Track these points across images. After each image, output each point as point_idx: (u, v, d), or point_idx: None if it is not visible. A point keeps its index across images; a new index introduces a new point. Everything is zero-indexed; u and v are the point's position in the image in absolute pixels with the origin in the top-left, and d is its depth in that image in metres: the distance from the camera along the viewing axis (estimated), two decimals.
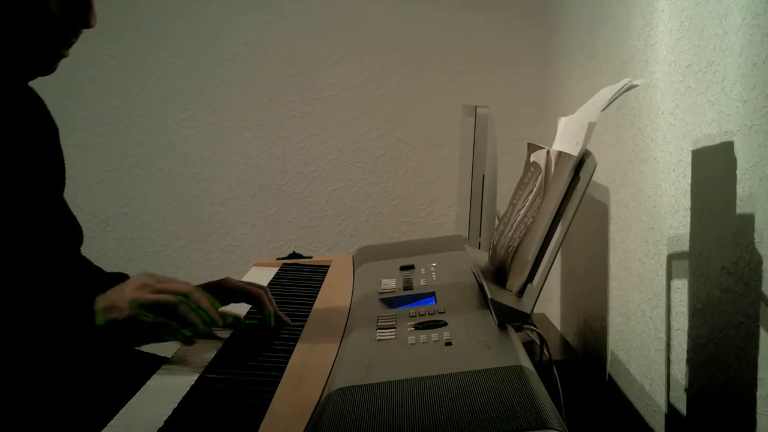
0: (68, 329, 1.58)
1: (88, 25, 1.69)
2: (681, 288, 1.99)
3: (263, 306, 1.85)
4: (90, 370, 1.70)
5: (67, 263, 1.89)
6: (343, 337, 1.70)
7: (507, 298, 1.61)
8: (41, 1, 1.62)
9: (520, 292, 1.63)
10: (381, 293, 1.93)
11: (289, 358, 1.61)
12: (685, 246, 1.95)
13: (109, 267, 2.13)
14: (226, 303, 1.88)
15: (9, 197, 1.69)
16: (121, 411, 1.42)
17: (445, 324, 1.58)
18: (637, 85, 1.72)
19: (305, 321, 1.87)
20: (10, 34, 1.64)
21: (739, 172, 1.68)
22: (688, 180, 1.93)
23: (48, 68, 1.72)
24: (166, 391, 1.50)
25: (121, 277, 1.97)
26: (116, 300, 1.63)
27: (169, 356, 1.72)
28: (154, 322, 1.63)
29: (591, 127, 1.59)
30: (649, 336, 2.23)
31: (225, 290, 1.89)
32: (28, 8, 1.62)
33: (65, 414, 1.64)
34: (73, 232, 1.93)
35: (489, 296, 1.61)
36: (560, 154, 1.70)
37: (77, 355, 1.60)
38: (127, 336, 1.64)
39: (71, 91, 3.73)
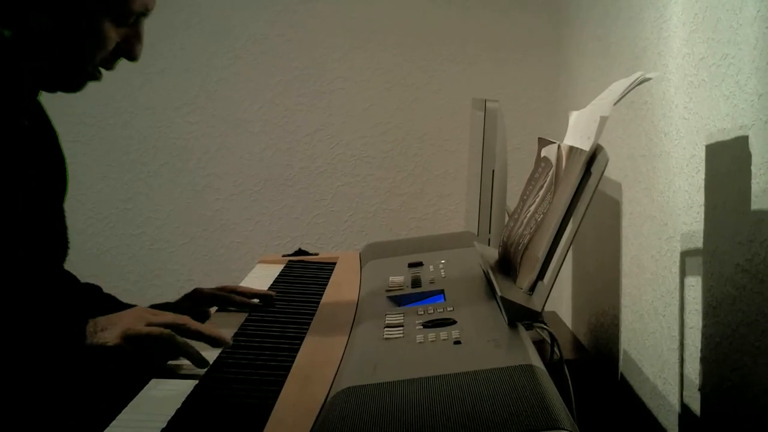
0: (57, 347, 1.61)
1: (132, 58, 1.78)
2: (695, 286, 1.99)
3: (237, 303, 2.01)
4: (91, 371, 1.70)
5: (50, 276, 1.90)
6: (349, 335, 1.70)
7: (517, 296, 1.61)
8: (95, 24, 1.69)
9: (531, 290, 1.63)
10: (388, 291, 1.93)
11: (294, 357, 1.61)
12: (698, 243, 1.95)
13: (110, 264, 2.15)
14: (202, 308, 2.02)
15: (9, 204, 1.70)
16: (123, 411, 1.42)
17: (454, 322, 1.58)
18: (649, 79, 1.72)
19: (311, 319, 1.87)
20: (54, 47, 1.69)
21: (753, 168, 1.68)
22: (702, 175, 1.93)
23: (77, 84, 1.78)
24: (169, 391, 1.50)
25: (94, 289, 2.03)
26: (108, 326, 1.65)
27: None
28: (139, 355, 1.64)
29: (603, 121, 1.59)
30: (662, 335, 2.23)
31: (198, 299, 2.02)
32: (82, 27, 1.69)
33: (67, 415, 1.64)
34: (61, 244, 1.94)
35: (499, 294, 1.61)
36: (571, 149, 1.70)
37: (63, 370, 1.62)
38: (113, 363, 1.64)
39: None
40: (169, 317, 1.72)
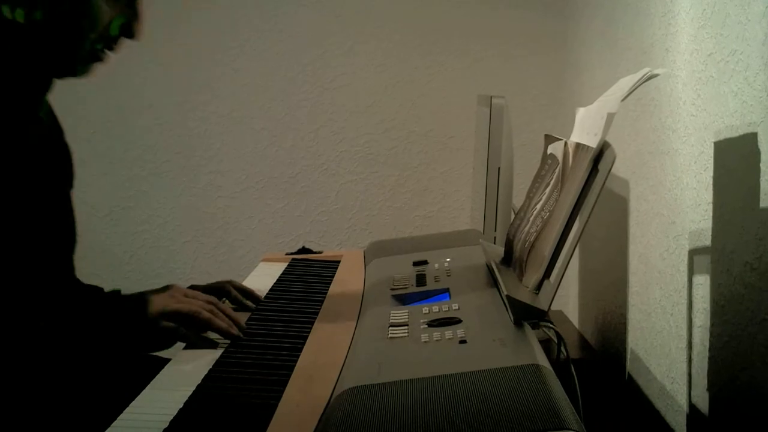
0: (122, 320, 1.71)
1: (131, 36, 1.81)
2: (703, 284, 1.99)
3: (232, 297, 2.04)
4: (95, 367, 1.71)
5: (61, 268, 1.93)
6: (353, 334, 1.70)
7: (523, 295, 1.61)
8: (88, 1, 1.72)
9: (537, 289, 1.63)
10: (393, 289, 1.93)
11: (298, 356, 1.61)
12: (707, 241, 1.95)
13: (112, 262, 2.16)
14: None
15: (17, 194, 1.71)
16: (125, 410, 1.42)
17: (459, 321, 1.58)
18: (657, 75, 1.71)
19: (315, 318, 1.88)
20: (53, 27, 1.72)
21: (762, 165, 1.68)
22: (710, 173, 1.93)
23: (81, 70, 1.81)
24: (171, 390, 1.50)
25: (96, 291, 2.06)
26: (148, 302, 1.74)
27: (174, 356, 1.73)
28: (173, 329, 1.74)
29: (610, 118, 1.59)
30: (669, 333, 2.23)
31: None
32: (77, 6, 1.71)
33: (70, 413, 1.65)
34: (70, 236, 1.96)
35: (505, 292, 1.61)
36: (578, 145, 1.70)
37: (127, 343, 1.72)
38: (150, 338, 1.75)
39: (73, 81, 3.73)
40: (201, 298, 1.82)
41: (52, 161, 1.87)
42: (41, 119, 1.84)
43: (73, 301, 1.75)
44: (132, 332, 1.71)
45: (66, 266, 1.95)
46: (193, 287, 1.99)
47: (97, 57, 1.80)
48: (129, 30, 1.80)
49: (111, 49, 1.81)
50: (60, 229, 1.91)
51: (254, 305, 2.04)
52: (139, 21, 1.81)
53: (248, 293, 2.07)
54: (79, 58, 1.78)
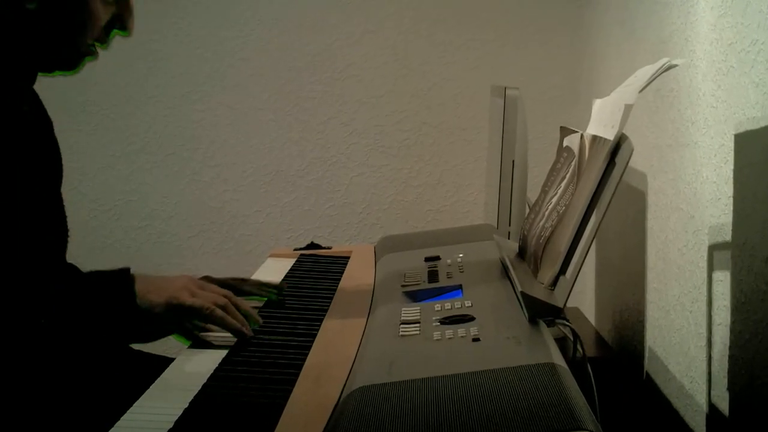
0: (107, 304, 1.70)
1: (124, 28, 1.85)
2: (723, 280, 1.99)
3: (246, 292, 2.02)
4: (98, 367, 1.72)
5: (54, 265, 1.94)
6: (364, 332, 1.70)
7: (538, 291, 1.62)
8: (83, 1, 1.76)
9: (553, 285, 1.63)
10: (404, 286, 1.93)
11: (306, 355, 1.62)
12: (727, 236, 1.95)
13: (114, 258, 2.17)
14: None
15: (7, 190, 1.72)
16: (129, 410, 1.43)
17: (472, 319, 1.59)
18: (676, 65, 1.71)
19: (324, 315, 1.88)
20: (44, 21, 1.75)
21: None
22: (731, 166, 1.93)
23: (73, 63, 1.84)
24: (176, 389, 1.51)
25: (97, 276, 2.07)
26: (155, 290, 1.75)
27: (178, 355, 1.74)
28: (179, 324, 1.76)
29: (628, 109, 1.59)
30: (688, 331, 2.23)
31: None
32: (70, 4, 1.76)
33: (74, 413, 1.66)
34: (62, 232, 1.97)
35: (519, 289, 1.62)
36: (595, 138, 1.70)
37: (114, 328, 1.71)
38: (152, 327, 1.75)
39: (64, 74, 3.74)
40: (214, 291, 1.82)
41: (39, 155, 1.87)
42: (26, 112, 1.85)
43: (71, 291, 1.74)
44: (129, 319, 1.71)
45: (59, 262, 1.96)
46: (206, 279, 1.99)
47: (90, 52, 1.84)
48: (122, 25, 1.84)
49: (103, 43, 1.85)
50: (51, 225, 1.91)
51: (275, 292, 2.05)
52: (131, 15, 1.84)
53: (266, 284, 2.08)
54: (74, 55, 1.82)
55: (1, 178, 1.68)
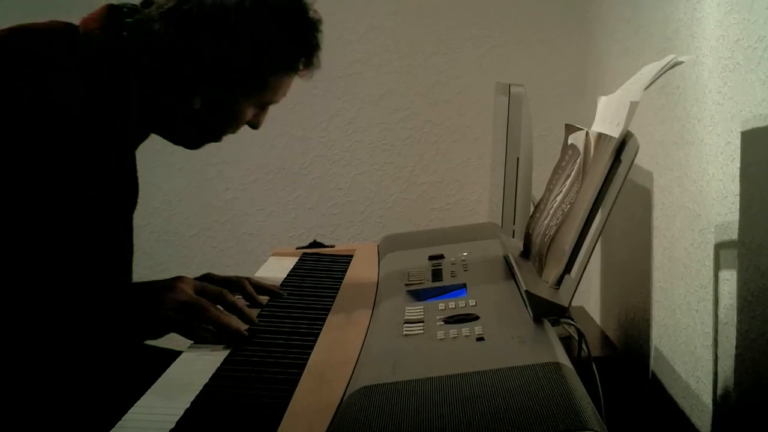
0: (106, 307, 1.70)
1: (256, 126, 2.09)
2: (729, 279, 1.99)
3: (248, 293, 2.02)
4: (101, 365, 1.72)
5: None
6: (367, 332, 1.70)
7: (543, 290, 1.62)
8: (240, 107, 1.98)
9: (557, 284, 1.63)
10: (408, 285, 1.93)
11: (309, 354, 1.61)
12: (733, 234, 1.95)
13: None
14: None
15: (84, 214, 1.86)
16: (131, 409, 1.43)
17: (476, 318, 1.59)
18: (682, 62, 1.71)
19: (327, 314, 1.88)
20: (201, 118, 1.97)
21: None
22: (737, 164, 1.92)
23: (200, 146, 2.12)
24: (178, 388, 1.51)
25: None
26: (154, 294, 1.74)
27: (183, 351, 1.73)
28: (178, 321, 1.73)
29: (633, 106, 1.59)
30: (695, 331, 2.23)
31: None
32: (228, 107, 1.97)
33: (76, 411, 1.66)
34: (127, 255, 2.06)
35: (524, 288, 1.62)
36: (600, 135, 1.70)
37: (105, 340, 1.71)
38: (150, 328, 1.73)
39: None
40: (209, 290, 1.82)
41: (124, 187, 2.09)
42: (134, 156, 2.11)
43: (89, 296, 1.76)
44: (133, 325, 1.71)
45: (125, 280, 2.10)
46: (207, 276, 1.99)
47: (218, 140, 2.05)
48: (254, 124, 2.05)
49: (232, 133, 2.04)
50: (121, 250, 2.10)
51: (271, 299, 2.04)
52: (265, 117, 2.07)
53: (266, 289, 2.07)
54: (207, 142, 2.05)
55: (93, 204, 1.87)
